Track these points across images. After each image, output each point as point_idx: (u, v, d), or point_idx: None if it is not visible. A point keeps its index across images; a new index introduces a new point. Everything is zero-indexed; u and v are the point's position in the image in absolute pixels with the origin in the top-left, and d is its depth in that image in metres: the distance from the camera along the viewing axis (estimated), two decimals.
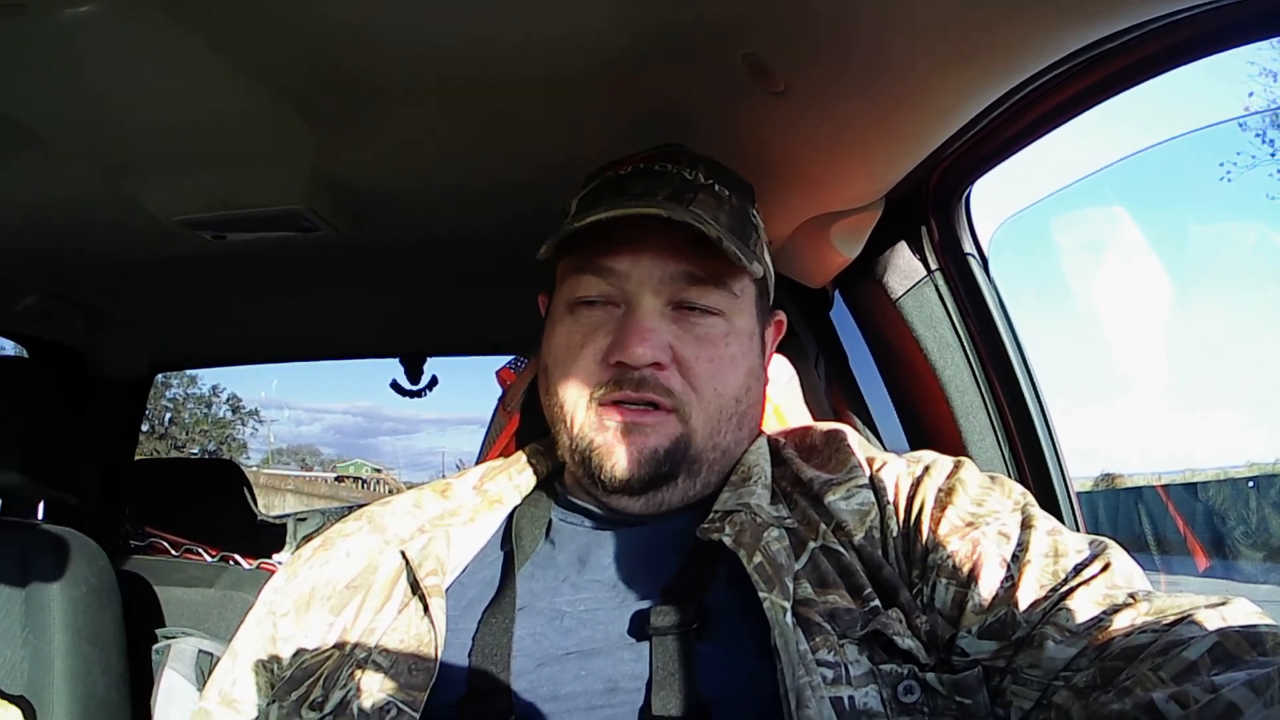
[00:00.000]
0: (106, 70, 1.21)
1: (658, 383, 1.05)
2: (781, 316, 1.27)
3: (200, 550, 2.99)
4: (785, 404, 1.46)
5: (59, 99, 1.30)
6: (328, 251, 1.98)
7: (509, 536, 1.10)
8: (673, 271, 1.07)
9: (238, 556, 2.96)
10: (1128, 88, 1.12)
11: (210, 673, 1.11)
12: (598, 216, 1.04)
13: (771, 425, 1.38)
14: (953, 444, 1.53)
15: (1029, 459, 1.49)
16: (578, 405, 1.08)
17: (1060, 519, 1.13)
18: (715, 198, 1.11)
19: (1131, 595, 0.83)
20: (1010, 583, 0.89)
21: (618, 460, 1.05)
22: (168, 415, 31.66)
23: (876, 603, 0.92)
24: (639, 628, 0.94)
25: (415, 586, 1.01)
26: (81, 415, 2.91)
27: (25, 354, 2.78)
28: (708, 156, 1.18)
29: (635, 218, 1.03)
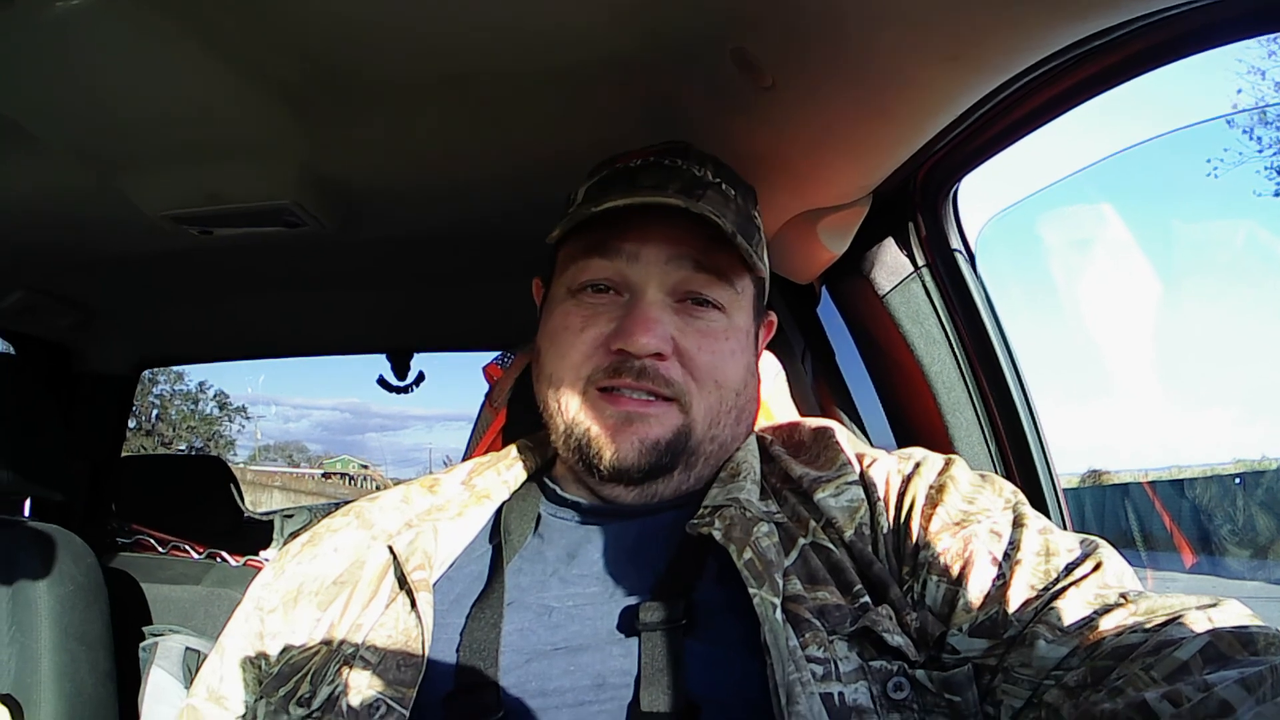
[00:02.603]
0: (94, 64, 1.21)
1: (658, 373, 1.05)
2: (773, 317, 1.28)
3: (187, 547, 2.98)
4: (772, 400, 1.46)
5: (45, 92, 1.29)
6: (315, 247, 1.98)
7: (497, 531, 1.10)
8: (680, 256, 1.08)
9: (225, 553, 2.95)
10: (1116, 84, 1.12)
11: (197, 670, 1.11)
12: (615, 203, 1.04)
13: (758, 421, 1.38)
14: (939, 440, 1.53)
15: (1015, 455, 1.49)
16: (574, 389, 1.08)
17: (1047, 516, 1.13)
18: (723, 196, 1.12)
19: (1123, 595, 0.83)
20: (1002, 581, 0.89)
21: (618, 449, 1.05)
22: (154, 411, 31.53)
23: (866, 599, 0.92)
24: (628, 623, 0.94)
25: (402, 581, 1.01)
26: (68, 411, 2.90)
27: (11, 350, 2.76)
28: (713, 155, 1.18)
29: (647, 208, 1.04)
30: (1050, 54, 1.03)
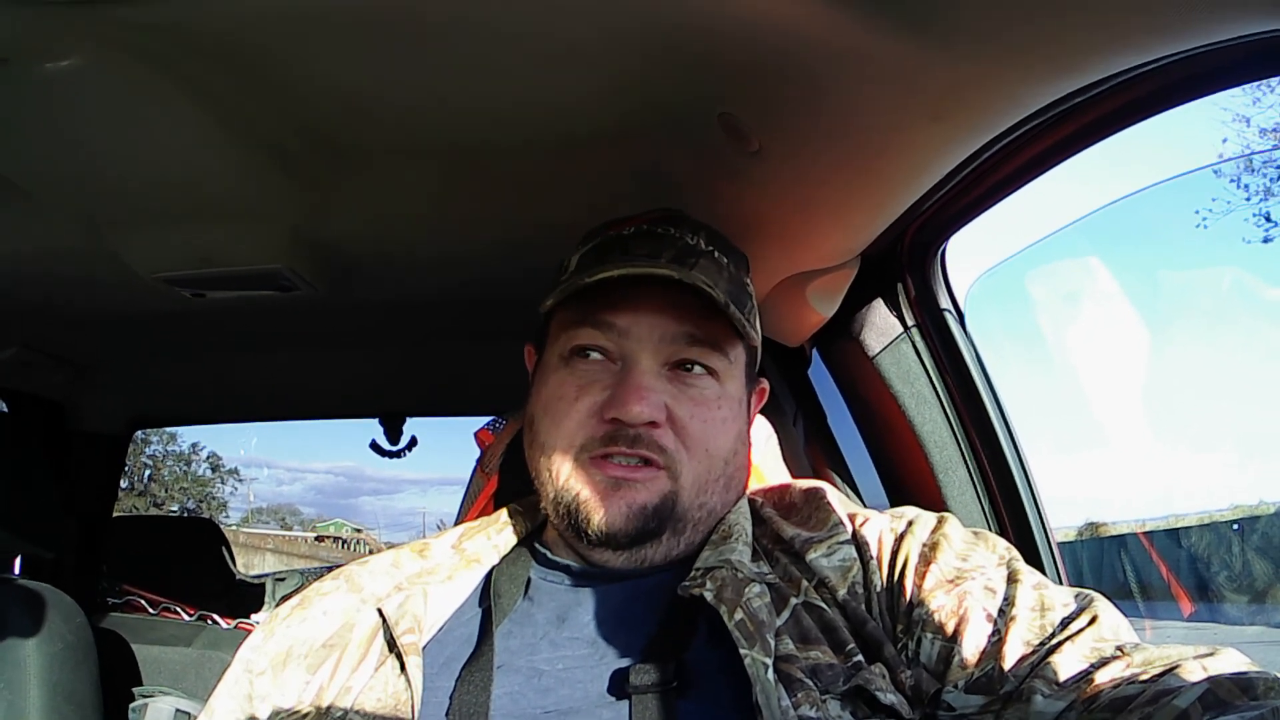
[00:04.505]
0: (88, 124, 1.21)
1: (651, 440, 1.05)
2: (764, 385, 1.28)
3: (178, 609, 2.96)
4: (764, 463, 1.46)
5: (40, 152, 1.30)
6: (308, 310, 1.98)
7: (487, 594, 1.10)
8: (674, 332, 1.08)
9: (216, 616, 2.93)
10: (1101, 139, 1.13)
11: None
12: (608, 274, 1.05)
13: (750, 484, 1.38)
14: (932, 499, 1.53)
15: (1009, 512, 1.49)
16: (566, 457, 1.08)
17: (1042, 571, 1.13)
18: (715, 264, 1.12)
19: (1119, 648, 0.84)
20: (997, 637, 0.89)
21: (606, 513, 1.04)
22: (147, 472, 31.41)
23: (859, 658, 0.92)
24: (618, 686, 0.93)
25: (392, 644, 1.00)
26: (60, 470, 2.89)
27: (3, 407, 2.76)
28: (706, 224, 1.19)
29: (639, 277, 1.05)
30: (1034, 112, 1.04)
